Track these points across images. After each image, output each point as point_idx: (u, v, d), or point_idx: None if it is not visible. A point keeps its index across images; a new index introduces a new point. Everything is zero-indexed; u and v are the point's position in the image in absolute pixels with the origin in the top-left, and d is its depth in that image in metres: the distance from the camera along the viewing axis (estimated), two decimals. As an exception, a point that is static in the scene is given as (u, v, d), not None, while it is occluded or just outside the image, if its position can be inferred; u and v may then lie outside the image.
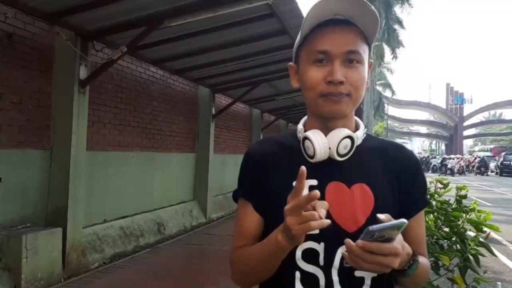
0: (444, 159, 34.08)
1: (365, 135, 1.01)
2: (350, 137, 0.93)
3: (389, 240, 0.76)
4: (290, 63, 1.03)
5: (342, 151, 0.93)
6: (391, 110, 46.46)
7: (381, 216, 0.78)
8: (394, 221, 0.76)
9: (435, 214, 2.25)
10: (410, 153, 1.03)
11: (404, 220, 0.75)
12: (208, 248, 6.09)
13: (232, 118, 10.55)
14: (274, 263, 0.88)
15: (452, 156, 37.33)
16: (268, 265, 0.90)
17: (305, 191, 0.78)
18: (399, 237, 0.79)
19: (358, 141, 0.96)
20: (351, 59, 0.90)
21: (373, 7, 0.88)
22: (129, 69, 6.14)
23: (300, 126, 1.01)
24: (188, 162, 8.16)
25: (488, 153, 43.41)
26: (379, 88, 31.14)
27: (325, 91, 0.91)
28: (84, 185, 4.89)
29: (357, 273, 0.90)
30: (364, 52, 0.93)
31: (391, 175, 0.97)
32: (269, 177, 0.96)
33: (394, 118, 54.58)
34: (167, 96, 7.27)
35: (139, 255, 5.53)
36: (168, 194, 7.33)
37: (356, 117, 1.02)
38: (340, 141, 0.92)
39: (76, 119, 4.66)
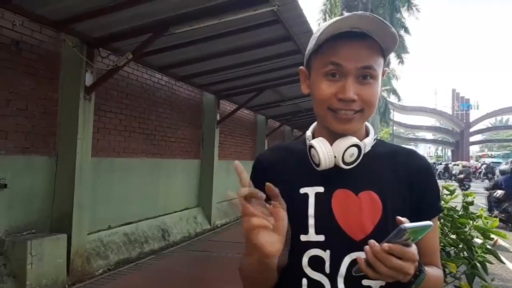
0: (447, 166, 33.75)
1: (375, 141, 0.98)
2: (356, 145, 0.91)
3: (408, 245, 0.74)
4: (301, 67, 1.01)
5: (348, 159, 0.91)
6: (396, 116, 46.34)
7: (402, 218, 0.75)
8: (424, 222, 0.74)
9: (442, 221, 2.23)
10: (422, 159, 1.00)
11: (430, 222, 0.74)
12: (212, 255, 6.06)
13: (237, 124, 10.56)
14: (264, 275, 0.88)
15: (458, 162, 37.03)
16: (260, 277, 0.90)
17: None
18: (413, 245, 0.77)
19: (366, 148, 0.94)
20: (365, 75, 0.88)
21: (393, 29, 0.86)
22: (134, 76, 6.18)
23: (308, 133, 1.00)
24: (192, 169, 8.17)
25: (495, 160, 43.04)
26: (385, 94, 31.06)
27: (335, 106, 0.89)
28: (89, 192, 4.90)
29: (365, 282, 0.87)
30: (379, 66, 0.90)
31: (402, 181, 0.94)
32: (276, 182, 0.95)
33: (399, 124, 54.40)
34: (172, 103, 7.30)
35: (144, 262, 5.52)
36: (172, 200, 7.33)
37: (366, 123, 0.99)
38: (346, 149, 0.90)
39: (82, 125, 4.69)
